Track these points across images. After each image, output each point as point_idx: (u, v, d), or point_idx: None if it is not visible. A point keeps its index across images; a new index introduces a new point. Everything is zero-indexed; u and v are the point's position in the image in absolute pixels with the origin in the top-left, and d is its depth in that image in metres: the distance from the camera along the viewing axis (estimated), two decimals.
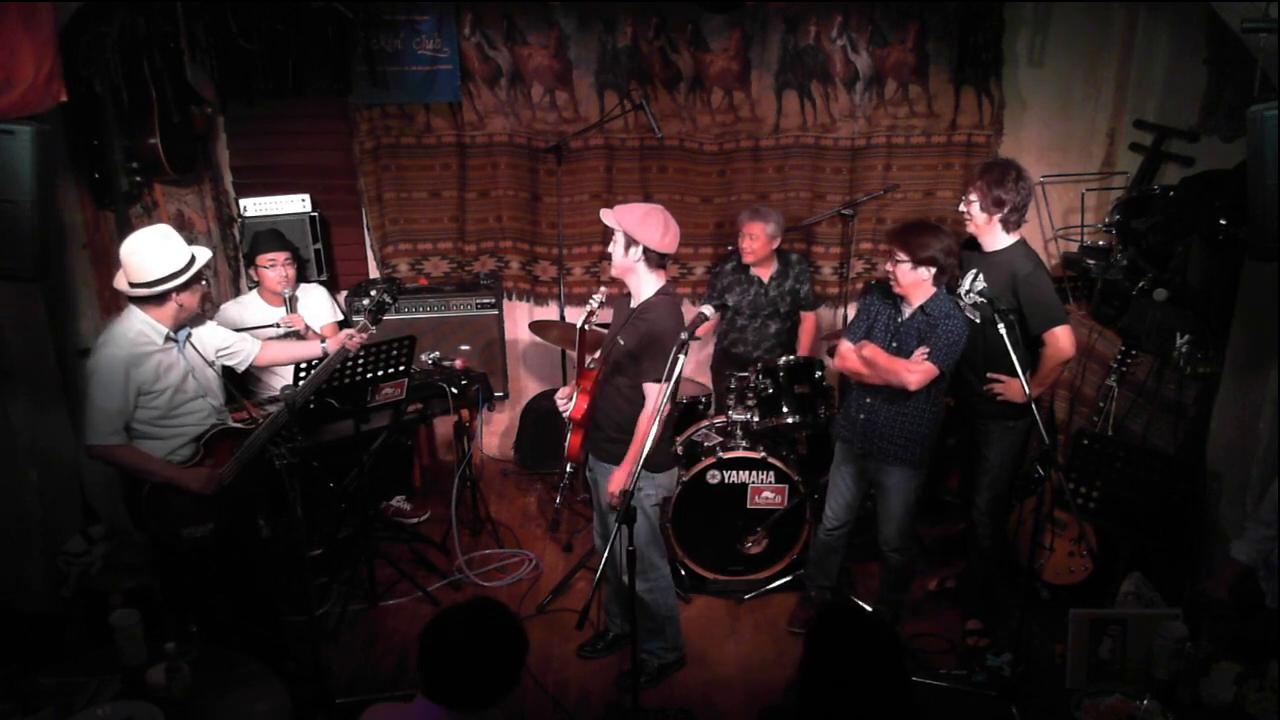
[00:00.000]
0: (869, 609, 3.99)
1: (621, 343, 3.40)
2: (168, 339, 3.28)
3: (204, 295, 3.36)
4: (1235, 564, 3.20)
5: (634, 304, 3.44)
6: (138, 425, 3.27)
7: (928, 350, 3.43)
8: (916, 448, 3.60)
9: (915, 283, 3.47)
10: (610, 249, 3.43)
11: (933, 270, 3.44)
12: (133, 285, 3.20)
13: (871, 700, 2.03)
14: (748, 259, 4.61)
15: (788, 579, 4.35)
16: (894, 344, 3.54)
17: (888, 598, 3.98)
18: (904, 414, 3.56)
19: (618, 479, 3.38)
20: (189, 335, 3.39)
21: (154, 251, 3.20)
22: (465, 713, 2.17)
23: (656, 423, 3.04)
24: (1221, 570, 3.27)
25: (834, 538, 3.94)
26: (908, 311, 3.54)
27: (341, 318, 4.77)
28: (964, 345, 3.48)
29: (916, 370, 3.43)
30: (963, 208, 3.69)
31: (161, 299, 3.22)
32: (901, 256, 3.45)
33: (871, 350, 3.55)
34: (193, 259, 3.27)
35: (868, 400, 3.63)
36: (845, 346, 3.68)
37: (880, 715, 2.05)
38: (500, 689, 2.20)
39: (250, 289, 4.68)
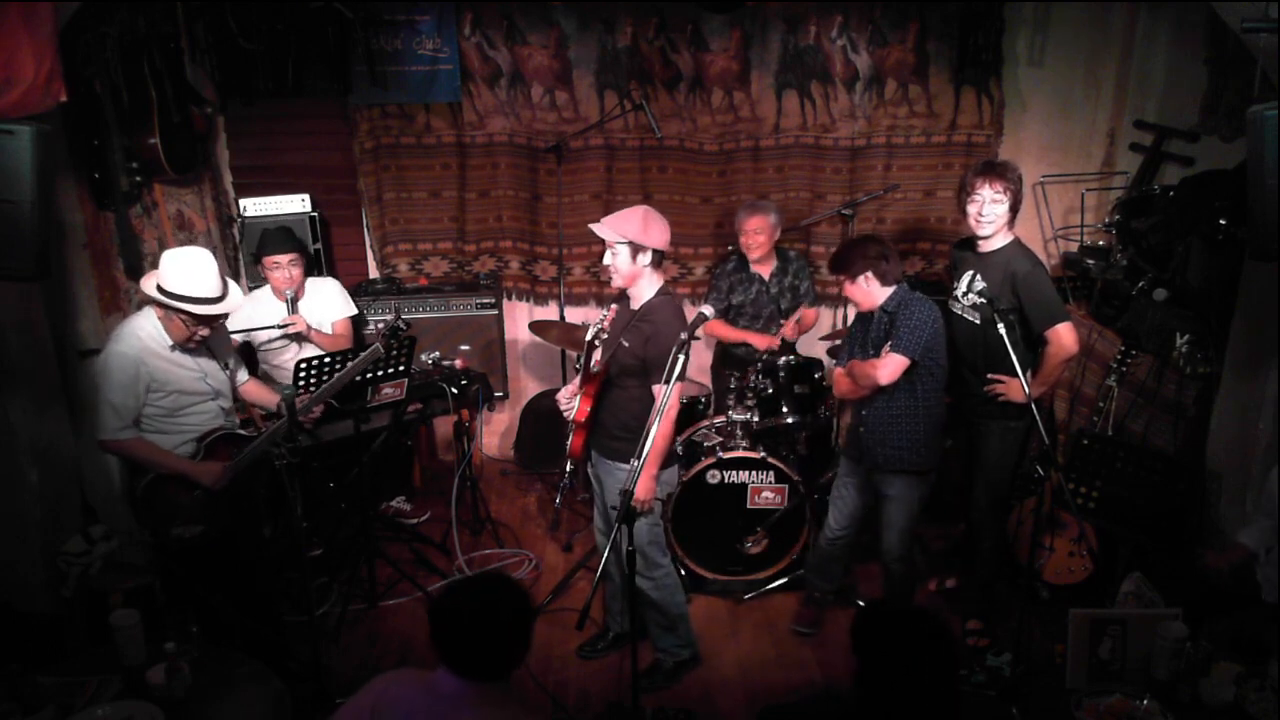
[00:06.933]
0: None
1: (625, 344, 3.39)
2: (173, 347, 3.33)
3: (189, 337, 3.31)
4: (1241, 546, 3.24)
5: (634, 306, 3.44)
6: (145, 419, 3.31)
7: (890, 343, 3.45)
8: (916, 452, 3.55)
9: (865, 293, 3.52)
10: (610, 260, 3.37)
11: (868, 275, 3.48)
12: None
13: (929, 700, 2.03)
14: (755, 254, 4.60)
15: (788, 579, 4.35)
16: (871, 353, 3.58)
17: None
18: (894, 416, 3.55)
19: (645, 486, 3.33)
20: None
21: (173, 265, 3.25)
22: (480, 682, 2.16)
23: (659, 421, 3.04)
24: (1227, 550, 3.32)
25: (836, 547, 3.93)
26: (873, 319, 3.58)
27: (355, 312, 4.76)
28: (935, 328, 3.45)
29: (882, 365, 3.45)
30: (974, 209, 3.59)
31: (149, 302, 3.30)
32: (842, 279, 3.56)
33: (851, 363, 3.63)
34: (196, 301, 3.23)
35: (863, 413, 3.65)
36: (838, 372, 3.76)
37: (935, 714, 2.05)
38: (513, 654, 2.19)
39: (254, 287, 4.68)
